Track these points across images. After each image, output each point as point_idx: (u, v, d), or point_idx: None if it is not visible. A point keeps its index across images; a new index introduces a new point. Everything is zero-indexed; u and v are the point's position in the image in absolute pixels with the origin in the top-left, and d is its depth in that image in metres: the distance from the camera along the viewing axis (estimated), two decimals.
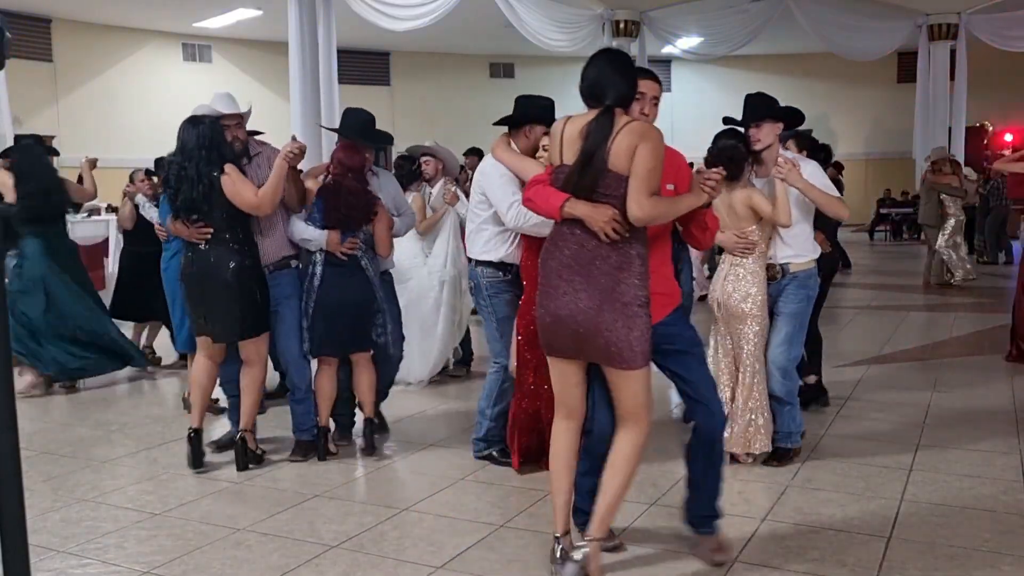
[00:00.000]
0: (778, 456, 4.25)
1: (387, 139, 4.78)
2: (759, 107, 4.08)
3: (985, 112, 19.91)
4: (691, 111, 22.10)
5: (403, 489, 4.06)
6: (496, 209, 4.08)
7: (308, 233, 4.37)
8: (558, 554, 3.02)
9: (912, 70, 18.18)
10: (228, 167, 4.18)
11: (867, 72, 20.45)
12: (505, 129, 4.25)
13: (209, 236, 4.22)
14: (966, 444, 4.56)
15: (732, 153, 3.99)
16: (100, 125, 15.96)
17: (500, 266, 4.23)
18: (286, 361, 4.56)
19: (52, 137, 15.15)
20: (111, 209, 13.08)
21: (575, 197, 2.87)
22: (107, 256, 9.72)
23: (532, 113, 4.18)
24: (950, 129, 16.98)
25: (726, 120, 4.16)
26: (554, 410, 3.15)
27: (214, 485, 4.13)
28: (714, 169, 3.14)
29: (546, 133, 4.02)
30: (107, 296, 9.60)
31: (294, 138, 4.43)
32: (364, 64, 19.47)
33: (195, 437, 4.34)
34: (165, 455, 4.65)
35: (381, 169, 4.79)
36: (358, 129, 4.52)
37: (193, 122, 4.23)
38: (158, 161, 6.30)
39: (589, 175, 2.84)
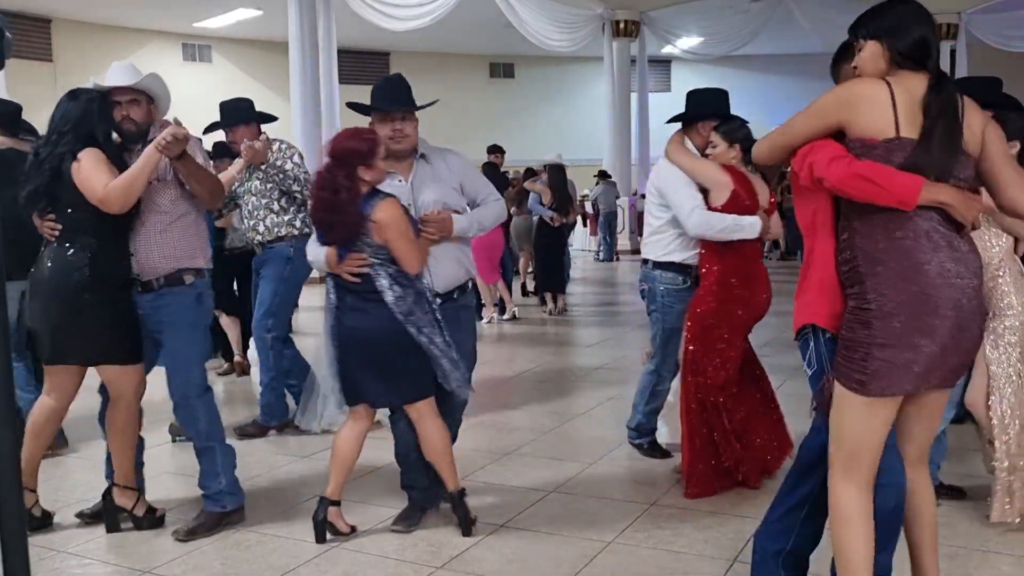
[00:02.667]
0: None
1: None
2: None
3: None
4: None
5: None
6: (676, 215, 3.91)
7: (311, 252, 3.48)
8: None
9: None
10: (85, 153, 3.36)
11: None
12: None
13: (56, 234, 3.43)
14: (966, 444, 4.55)
15: None
16: None
17: (681, 269, 4.03)
18: (174, 403, 3.64)
19: None
20: None
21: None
22: None
23: (706, 108, 4.01)
24: None
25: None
26: (841, 474, 2.44)
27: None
28: None
29: (716, 128, 3.93)
30: None
31: (177, 122, 3.41)
32: (364, 64, 19.46)
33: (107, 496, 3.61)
34: (165, 455, 4.65)
35: (446, 149, 3.76)
36: (385, 95, 3.57)
37: (71, 95, 3.48)
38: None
39: (950, 154, 2.31)
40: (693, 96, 4.10)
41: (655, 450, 4.44)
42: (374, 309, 3.28)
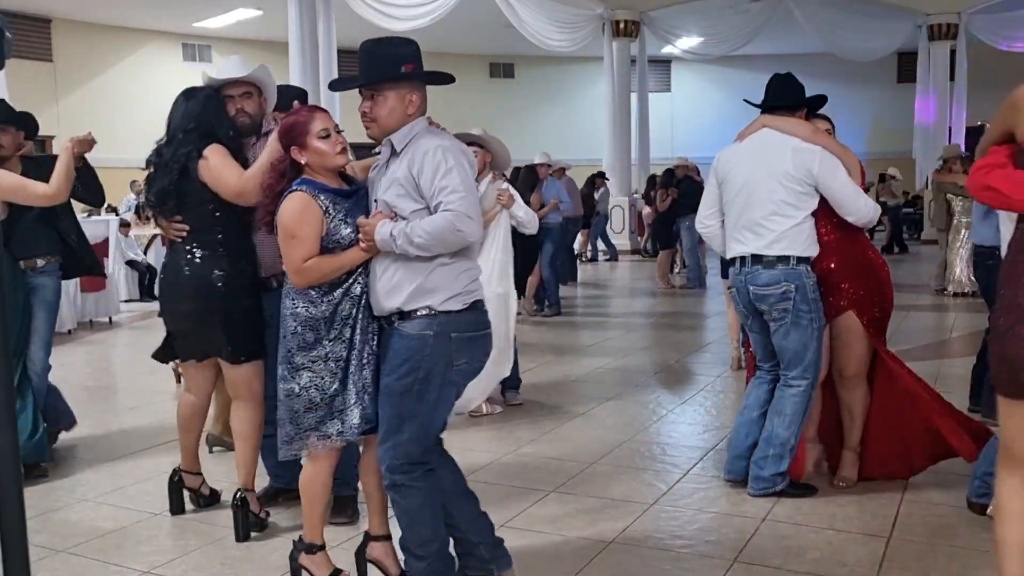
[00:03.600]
0: None
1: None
2: None
3: (984, 112, 19.91)
4: (691, 111, 22.11)
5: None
6: (845, 203, 3.64)
7: None
8: None
9: (912, 70, 18.21)
10: (210, 149, 3.37)
11: (867, 72, 20.47)
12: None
13: (184, 235, 3.47)
14: None
15: None
16: (100, 125, 15.83)
17: (811, 263, 3.73)
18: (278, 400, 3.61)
19: (52, 137, 15.23)
20: (111, 209, 13.09)
21: None
22: (107, 256, 9.73)
23: (800, 96, 3.81)
24: (950, 129, 17.00)
25: None
26: (1003, 463, 2.42)
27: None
28: None
29: (818, 116, 3.82)
30: (107, 297, 9.64)
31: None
32: None
33: (177, 480, 3.78)
34: (165, 455, 4.65)
35: (431, 137, 2.77)
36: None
37: (187, 95, 3.51)
38: None
39: None
40: (788, 83, 3.85)
41: (802, 487, 3.85)
42: None
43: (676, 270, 11.82)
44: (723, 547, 3.33)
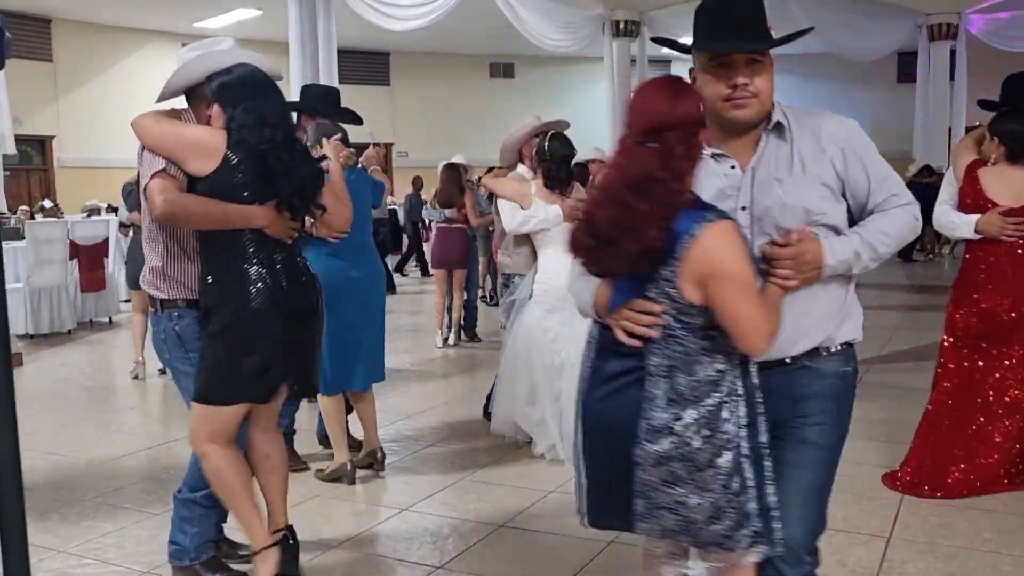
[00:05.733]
0: None
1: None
2: None
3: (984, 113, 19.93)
4: None
5: (403, 489, 4.07)
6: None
7: (574, 282, 2.10)
8: None
9: (912, 70, 18.20)
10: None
11: (867, 72, 20.45)
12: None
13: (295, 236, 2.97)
14: None
15: None
16: (100, 125, 15.95)
17: None
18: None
19: (52, 137, 15.23)
20: (111, 209, 13.09)
21: None
22: (107, 256, 9.72)
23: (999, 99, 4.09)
24: (950, 129, 17.00)
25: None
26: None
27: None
28: None
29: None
30: (107, 297, 9.63)
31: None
32: (364, 64, 19.46)
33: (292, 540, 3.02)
34: (165, 455, 4.65)
35: (817, 112, 2.09)
36: (716, 25, 2.40)
37: (266, 77, 2.99)
38: None
39: None
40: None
41: None
42: (628, 393, 1.89)
43: None
44: None
